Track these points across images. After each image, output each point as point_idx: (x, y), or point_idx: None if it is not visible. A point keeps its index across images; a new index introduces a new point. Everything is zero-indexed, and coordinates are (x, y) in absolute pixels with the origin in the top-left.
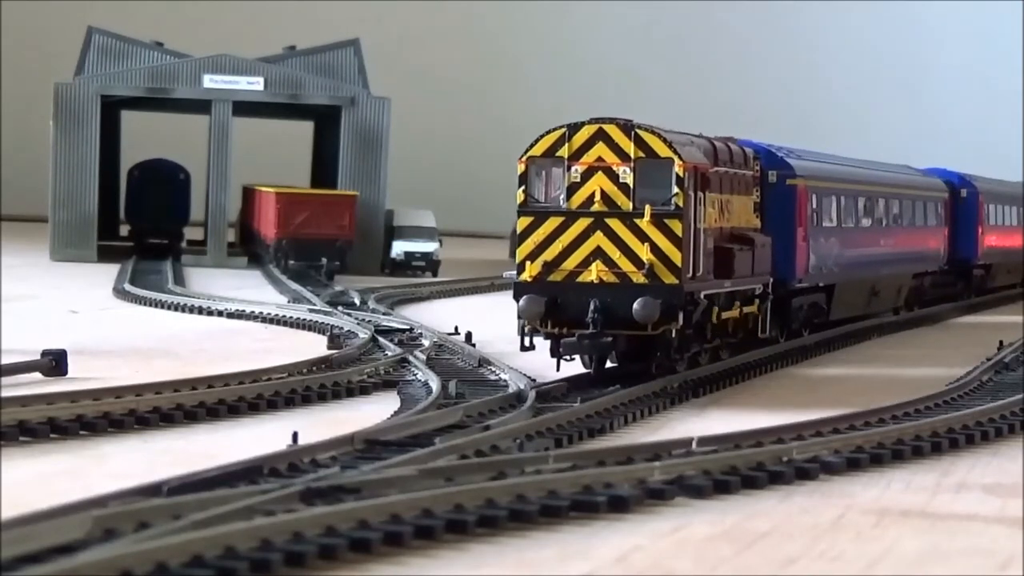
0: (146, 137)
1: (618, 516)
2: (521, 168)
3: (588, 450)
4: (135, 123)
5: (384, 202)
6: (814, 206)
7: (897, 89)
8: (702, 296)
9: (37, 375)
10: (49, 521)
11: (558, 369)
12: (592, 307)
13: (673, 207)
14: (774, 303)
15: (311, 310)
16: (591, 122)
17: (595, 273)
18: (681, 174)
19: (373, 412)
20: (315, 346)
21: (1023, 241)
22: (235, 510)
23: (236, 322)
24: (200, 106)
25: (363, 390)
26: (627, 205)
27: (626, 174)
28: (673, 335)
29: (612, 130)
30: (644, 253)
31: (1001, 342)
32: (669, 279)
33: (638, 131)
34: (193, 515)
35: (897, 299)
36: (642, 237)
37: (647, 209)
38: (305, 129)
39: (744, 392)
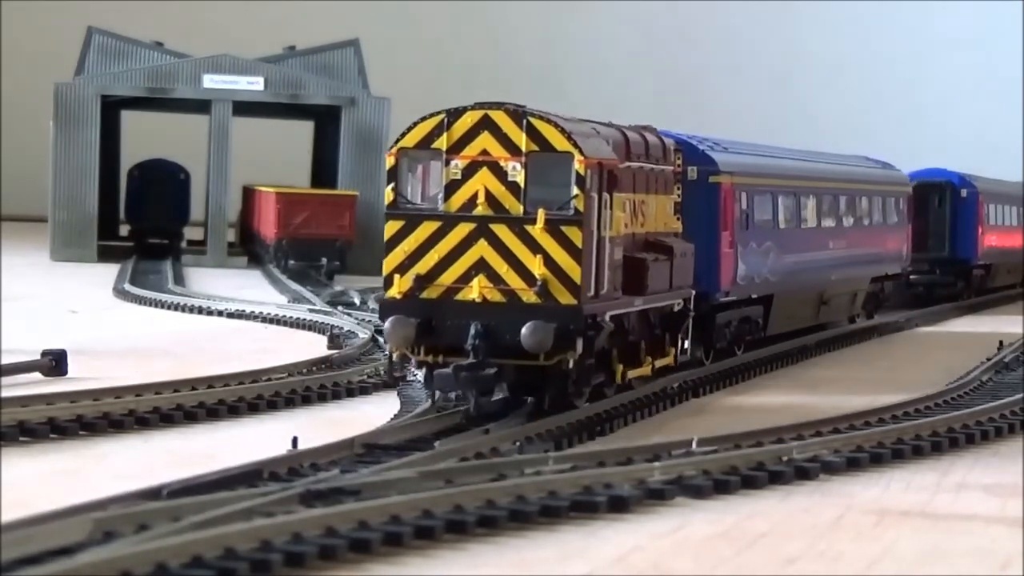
0: (146, 137)
1: (618, 516)
2: (390, 162)
3: (588, 451)
4: (135, 123)
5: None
6: (744, 206)
7: (897, 89)
8: (607, 318)
9: (37, 375)
10: (49, 523)
11: (432, 403)
12: (473, 331)
13: (572, 211)
14: (696, 320)
15: (311, 310)
16: (475, 107)
17: (477, 290)
18: (582, 171)
19: (373, 413)
20: (315, 346)
21: (1023, 241)
22: (235, 512)
23: (236, 322)
24: (200, 106)
25: (363, 390)
26: (517, 208)
27: (516, 171)
28: (571, 366)
29: (500, 117)
30: (536, 267)
31: (1001, 342)
32: (566, 299)
33: (531, 119)
34: (193, 517)
35: (852, 307)
36: (534, 247)
37: (540, 213)
38: (305, 129)
39: (744, 392)
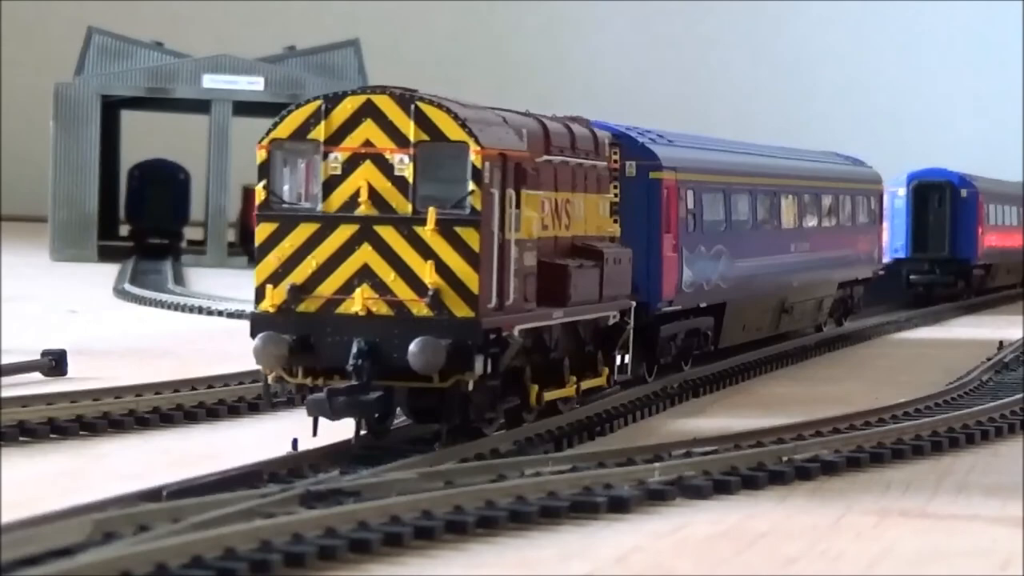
0: (146, 137)
1: (618, 516)
2: (261, 155)
3: (588, 452)
4: (135, 123)
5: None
6: (690, 206)
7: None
8: (515, 333)
9: (37, 375)
10: (49, 524)
11: (315, 434)
12: (355, 349)
13: (467, 210)
14: (637, 333)
15: None
16: (356, 92)
17: (360, 302)
18: (479, 164)
19: None
20: None
21: (1023, 241)
22: (235, 512)
23: (236, 322)
24: (200, 106)
25: None
26: (405, 207)
27: (403, 164)
28: (470, 388)
29: (384, 103)
30: (427, 274)
31: (1001, 342)
32: (461, 311)
33: (420, 104)
34: (193, 518)
35: (818, 315)
36: (424, 252)
37: (431, 213)
38: None
39: (744, 392)
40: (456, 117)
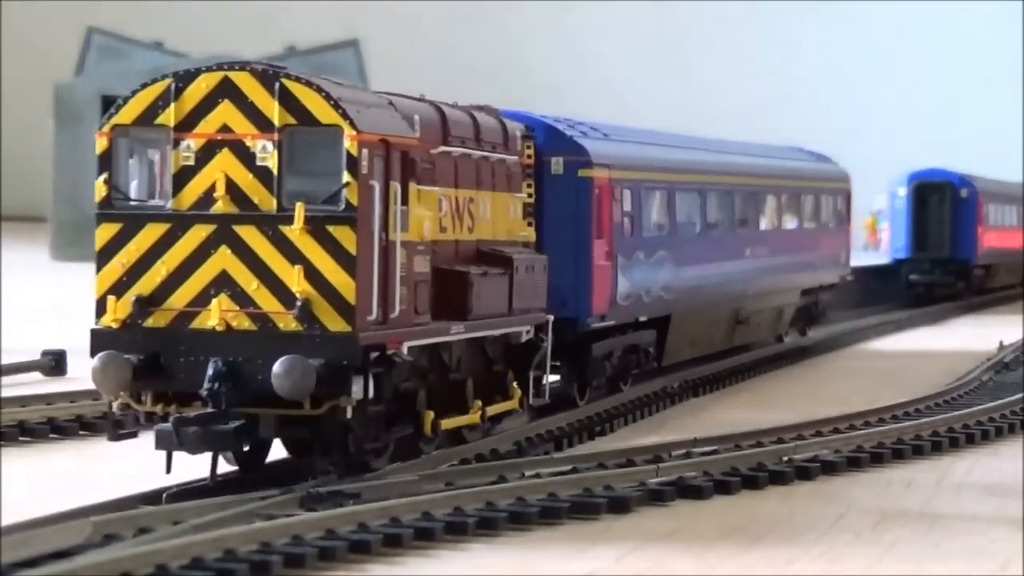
0: None
1: (618, 517)
2: (102, 144)
3: (588, 453)
4: None
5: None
6: (627, 207)
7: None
8: (404, 350)
9: (37, 375)
10: (49, 526)
11: (168, 470)
12: (211, 371)
13: (341, 206)
14: (566, 351)
15: None
16: (212, 68)
17: (217, 315)
18: (355, 151)
19: None
20: None
21: (1023, 241)
22: (235, 514)
23: None
24: None
25: None
26: (269, 203)
27: (267, 152)
28: (348, 415)
29: (244, 81)
30: (295, 282)
31: (1001, 342)
32: (336, 324)
33: (286, 82)
34: (193, 520)
35: (778, 326)
36: (292, 256)
37: (299, 209)
38: None
39: (744, 392)
40: (328, 97)
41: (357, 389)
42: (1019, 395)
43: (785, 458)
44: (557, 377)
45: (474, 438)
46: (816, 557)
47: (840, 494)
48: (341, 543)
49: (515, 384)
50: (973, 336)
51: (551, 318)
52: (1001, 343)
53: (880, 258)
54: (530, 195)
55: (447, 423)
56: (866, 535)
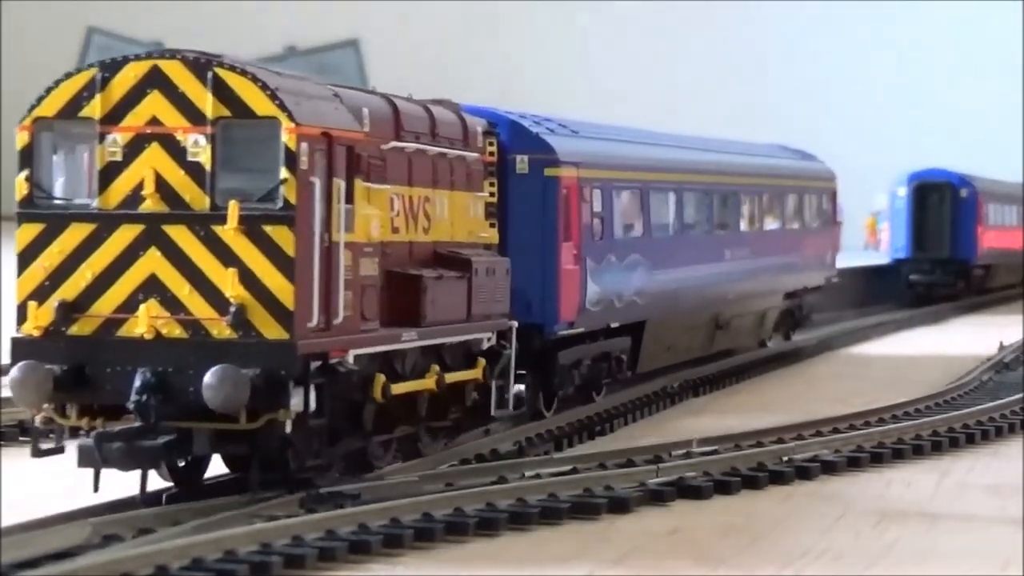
0: None
1: (618, 517)
2: (22, 139)
3: (588, 453)
4: None
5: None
6: (597, 208)
7: (897, 89)
8: (350, 359)
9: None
10: (49, 527)
11: (95, 489)
12: (139, 382)
13: (279, 204)
14: (532, 360)
15: None
16: (141, 57)
17: (146, 322)
18: (293, 145)
19: None
20: None
21: (1023, 241)
22: (235, 515)
23: None
24: None
25: None
26: (201, 202)
27: (199, 147)
28: (288, 429)
29: (175, 70)
30: (229, 286)
31: (1001, 342)
32: (273, 332)
33: (220, 71)
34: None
35: (760, 330)
36: (226, 258)
37: (232, 208)
38: None
39: (744, 392)
40: (265, 87)
41: (296, 401)
42: (1019, 395)
43: (785, 458)
44: (523, 387)
45: (432, 451)
46: (816, 557)
47: (840, 494)
48: (341, 544)
49: (475, 394)
50: (973, 336)
51: (515, 324)
52: (1001, 343)
53: (880, 258)
54: (492, 194)
55: (399, 388)
56: (866, 535)
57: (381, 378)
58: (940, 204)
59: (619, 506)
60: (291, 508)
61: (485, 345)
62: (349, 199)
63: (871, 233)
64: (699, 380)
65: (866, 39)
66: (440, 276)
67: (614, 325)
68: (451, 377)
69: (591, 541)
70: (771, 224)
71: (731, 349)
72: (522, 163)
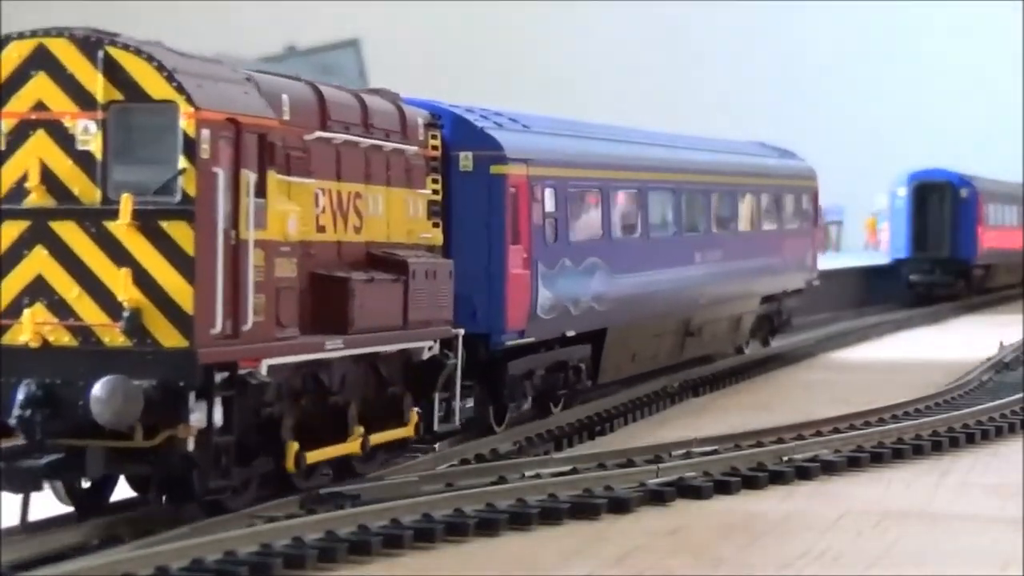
0: None
1: (618, 517)
2: None
3: (588, 453)
4: None
5: None
6: (550, 208)
7: (898, 88)
8: (263, 369)
9: None
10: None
11: (23, 519)
12: (23, 395)
13: (177, 197)
14: (479, 370)
15: None
16: (25, 35)
17: (30, 329)
18: (192, 132)
19: None
20: None
21: (1023, 241)
22: (235, 516)
23: None
24: None
25: None
26: (91, 195)
27: (89, 134)
28: (189, 447)
29: (62, 49)
30: (122, 288)
31: (1001, 342)
32: (171, 339)
33: (112, 51)
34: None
35: (736, 336)
36: (119, 257)
37: (125, 202)
38: None
39: (744, 392)
40: (162, 67)
41: (198, 416)
42: (1019, 395)
43: (785, 458)
44: (471, 400)
45: (368, 470)
46: (816, 557)
47: (840, 494)
48: (341, 544)
49: (414, 409)
50: (973, 336)
51: (460, 332)
52: (1001, 343)
53: (880, 258)
54: (436, 192)
55: (314, 456)
56: (866, 535)
57: (294, 447)
58: (940, 204)
59: (619, 506)
60: (291, 509)
61: (426, 355)
62: (261, 193)
63: (871, 233)
64: (699, 380)
65: (867, 39)
66: (371, 279)
67: (570, 334)
68: (378, 438)
69: (591, 541)
70: (746, 225)
71: (705, 356)
72: (466, 160)
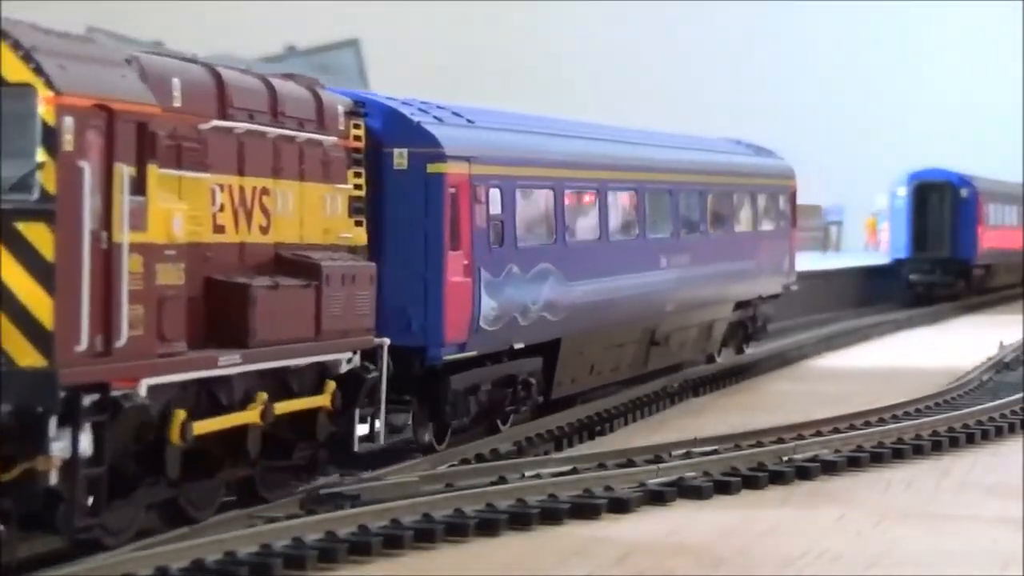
0: None
1: (618, 517)
2: None
3: (588, 453)
4: None
5: None
6: (496, 210)
7: (897, 89)
8: (142, 390)
9: None
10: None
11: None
12: None
13: (35, 195)
14: (418, 384)
15: None
16: None
17: None
18: (52, 120)
19: None
20: None
21: (1023, 241)
22: (235, 517)
23: None
24: None
25: None
26: None
27: None
28: (52, 481)
29: None
30: None
31: (1001, 342)
32: (27, 357)
33: None
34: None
35: (707, 344)
36: None
37: None
38: None
39: (744, 392)
40: (17, 45)
41: (61, 445)
42: (1019, 395)
43: (785, 458)
44: (408, 416)
45: (274, 495)
46: (816, 557)
47: (840, 494)
48: (341, 545)
49: (328, 430)
50: (973, 336)
51: (386, 342)
52: (1001, 343)
53: (880, 258)
54: (358, 187)
55: (205, 426)
56: (866, 535)
57: (180, 415)
58: (940, 204)
59: (619, 506)
60: (291, 509)
61: (344, 368)
62: (140, 190)
63: (871, 233)
64: (699, 380)
65: (867, 39)
66: (275, 285)
67: (518, 346)
68: (284, 407)
69: (591, 541)
70: (717, 226)
71: (676, 365)
72: (400, 157)
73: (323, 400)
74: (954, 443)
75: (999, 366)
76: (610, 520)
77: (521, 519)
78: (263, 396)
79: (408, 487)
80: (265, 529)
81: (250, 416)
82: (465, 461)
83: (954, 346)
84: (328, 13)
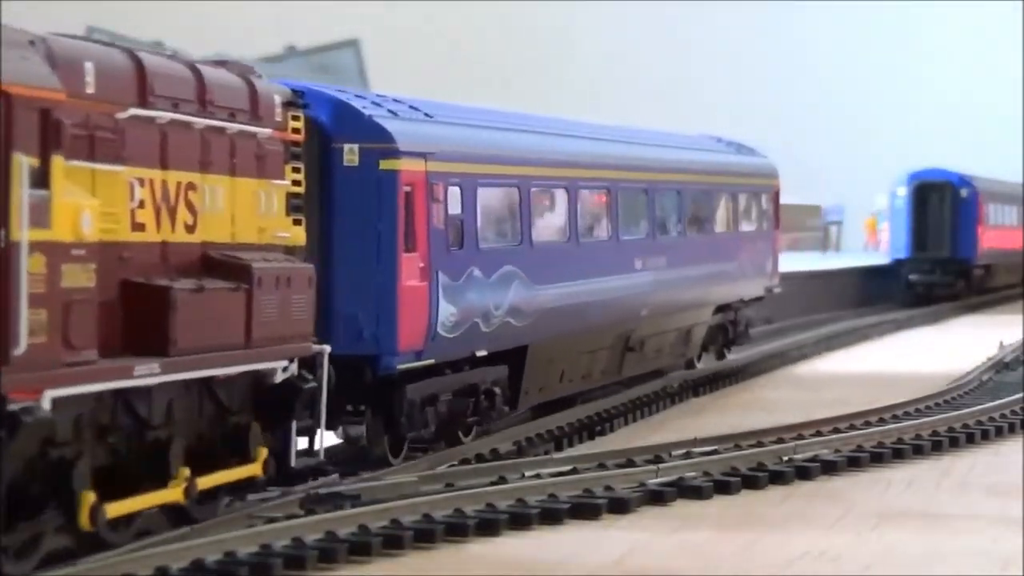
0: None
1: (618, 517)
2: None
3: (588, 453)
4: None
5: None
6: (455, 210)
7: (897, 89)
8: (45, 403)
9: None
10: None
11: None
12: None
13: None
14: (371, 395)
15: None
16: None
17: None
18: None
19: None
20: None
21: (1023, 241)
22: (235, 517)
23: None
24: None
25: None
26: None
27: None
28: None
29: None
30: None
31: (1001, 342)
32: None
33: None
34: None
35: (686, 349)
36: None
37: None
38: None
39: (744, 392)
40: None
41: None
42: (1019, 395)
43: (785, 458)
44: (362, 428)
45: (204, 515)
46: (816, 557)
47: (840, 494)
48: (341, 545)
49: (261, 444)
50: (973, 336)
51: (326, 349)
52: (1001, 343)
53: (880, 258)
54: (297, 182)
55: (116, 509)
56: (866, 535)
57: (89, 497)
58: (940, 204)
59: (619, 506)
60: (291, 509)
61: (279, 377)
62: (43, 183)
63: (871, 233)
64: (699, 380)
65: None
66: (200, 288)
67: (481, 354)
68: (208, 481)
69: (591, 541)
70: (695, 227)
71: (655, 371)
72: (351, 153)
73: (254, 470)
74: (954, 443)
75: (999, 366)
76: (610, 520)
77: (521, 519)
78: (185, 472)
79: (408, 487)
80: (265, 529)
81: (172, 495)
82: (465, 461)
83: (954, 346)
84: (328, 13)
